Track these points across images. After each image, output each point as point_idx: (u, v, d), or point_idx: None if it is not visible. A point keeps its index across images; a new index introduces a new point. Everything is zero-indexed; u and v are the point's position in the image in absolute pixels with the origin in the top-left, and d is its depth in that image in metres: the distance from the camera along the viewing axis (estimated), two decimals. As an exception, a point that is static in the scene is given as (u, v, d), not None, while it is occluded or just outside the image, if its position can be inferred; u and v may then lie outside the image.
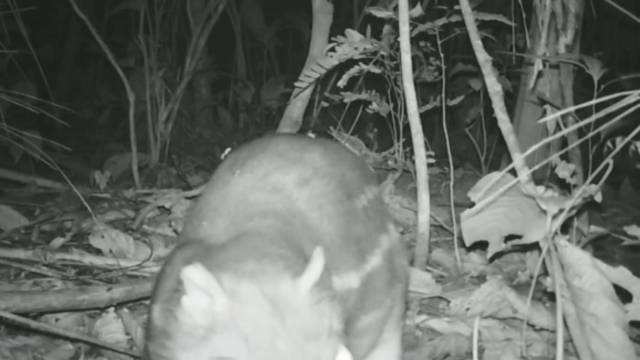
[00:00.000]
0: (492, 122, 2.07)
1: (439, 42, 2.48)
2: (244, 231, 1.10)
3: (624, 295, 1.41)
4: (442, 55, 2.55)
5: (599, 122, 1.46)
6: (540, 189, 1.55)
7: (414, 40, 2.43)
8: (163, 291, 1.06)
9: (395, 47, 2.42)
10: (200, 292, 0.88)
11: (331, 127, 2.96)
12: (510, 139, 1.87)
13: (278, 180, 1.20)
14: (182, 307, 0.91)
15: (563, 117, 2.26)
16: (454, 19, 2.37)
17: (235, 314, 0.87)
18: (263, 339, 0.85)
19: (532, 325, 1.85)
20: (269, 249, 1.05)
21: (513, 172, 1.60)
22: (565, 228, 1.95)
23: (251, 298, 0.89)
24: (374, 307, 1.28)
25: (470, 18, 2.06)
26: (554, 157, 1.75)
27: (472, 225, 1.54)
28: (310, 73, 2.45)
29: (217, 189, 1.22)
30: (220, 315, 0.87)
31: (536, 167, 1.48)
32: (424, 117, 2.26)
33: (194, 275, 0.87)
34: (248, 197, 1.17)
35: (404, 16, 2.11)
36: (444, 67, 2.59)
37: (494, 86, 1.97)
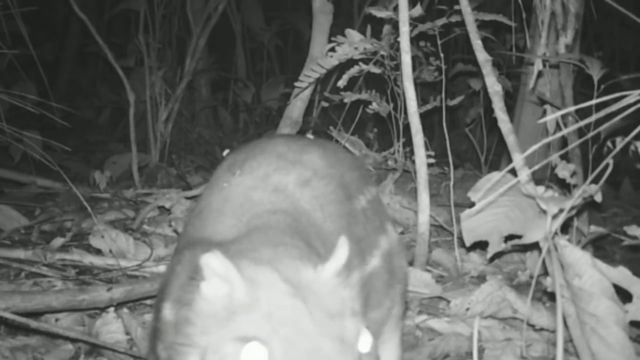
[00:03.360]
0: (492, 122, 2.07)
1: (439, 42, 2.48)
2: (254, 226, 1.10)
3: (624, 295, 1.41)
4: (442, 55, 2.55)
5: (599, 122, 1.46)
6: (540, 189, 1.55)
7: (414, 40, 2.43)
8: (174, 289, 1.06)
9: (395, 47, 2.42)
10: (219, 279, 0.88)
11: (331, 127, 2.96)
12: (510, 139, 1.87)
13: (279, 181, 1.20)
14: (200, 294, 0.90)
15: (563, 117, 2.26)
16: (454, 19, 2.37)
17: (257, 297, 0.87)
18: (286, 317, 0.85)
19: (532, 325, 1.85)
20: (283, 239, 1.05)
21: (513, 172, 1.60)
22: (565, 228, 1.95)
23: (271, 282, 0.89)
24: (373, 307, 1.28)
25: (470, 18, 2.06)
26: (554, 157, 1.75)
27: (472, 225, 1.54)
28: (310, 73, 2.45)
29: (217, 190, 1.22)
30: (241, 300, 0.87)
31: (536, 167, 1.48)
32: (424, 117, 2.26)
33: (212, 261, 0.87)
34: (252, 197, 1.17)
35: (404, 16, 2.11)
36: (444, 67, 2.59)
37: (494, 86, 1.97)
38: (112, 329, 1.84)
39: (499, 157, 3.22)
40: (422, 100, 2.73)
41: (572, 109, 1.54)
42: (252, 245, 1.02)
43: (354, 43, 2.38)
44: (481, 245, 1.58)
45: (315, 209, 1.20)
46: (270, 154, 1.26)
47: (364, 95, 2.73)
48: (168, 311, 1.05)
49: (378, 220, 1.36)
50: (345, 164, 1.34)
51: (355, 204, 1.29)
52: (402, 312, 1.48)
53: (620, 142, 1.47)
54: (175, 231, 2.55)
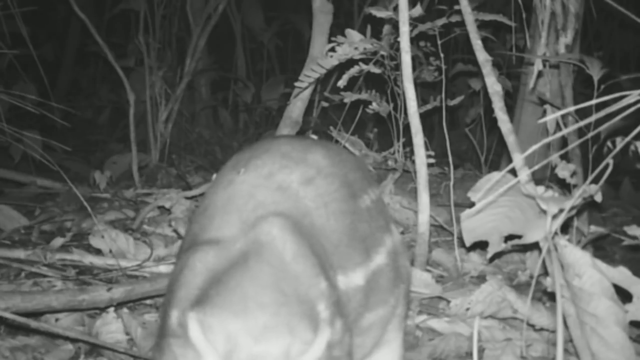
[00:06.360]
0: (492, 122, 2.07)
1: (439, 42, 2.48)
2: (260, 243, 1.10)
3: (624, 295, 1.41)
4: (442, 55, 2.55)
5: (599, 122, 1.45)
6: (540, 189, 1.55)
7: (414, 40, 2.43)
8: (184, 299, 1.07)
9: (395, 47, 2.42)
10: None
11: (331, 127, 2.95)
12: (510, 139, 1.87)
13: (283, 179, 1.21)
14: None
15: (563, 117, 2.26)
16: (454, 19, 2.37)
17: None
18: None
19: (532, 325, 1.85)
20: (289, 285, 1.06)
21: (513, 172, 1.60)
22: (565, 228, 1.95)
23: None
24: (378, 305, 1.29)
25: (470, 18, 2.06)
26: (554, 157, 1.75)
27: (472, 225, 1.54)
28: (310, 73, 2.45)
29: (221, 189, 1.23)
30: None
31: (536, 167, 1.48)
32: (424, 117, 2.26)
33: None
34: (256, 196, 1.18)
35: (404, 16, 2.11)
36: (444, 67, 2.59)
37: (494, 86, 1.97)
38: (112, 329, 1.85)
39: (499, 157, 3.22)
40: (422, 100, 2.73)
41: (572, 109, 1.53)
42: (265, 297, 1.03)
43: (354, 43, 2.38)
44: (481, 245, 1.58)
45: (319, 207, 1.21)
46: (275, 153, 1.27)
47: (364, 95, 2.73)
48: (175, 320, 1.05)
49: (383, 219, 1.37)
50: (349, 164, 1.35)
51: (359, 203, 1.30)
52: (405, 313, 1.48)
53: (620, 142, 1.47)
54: (175, 231, 2.55)
